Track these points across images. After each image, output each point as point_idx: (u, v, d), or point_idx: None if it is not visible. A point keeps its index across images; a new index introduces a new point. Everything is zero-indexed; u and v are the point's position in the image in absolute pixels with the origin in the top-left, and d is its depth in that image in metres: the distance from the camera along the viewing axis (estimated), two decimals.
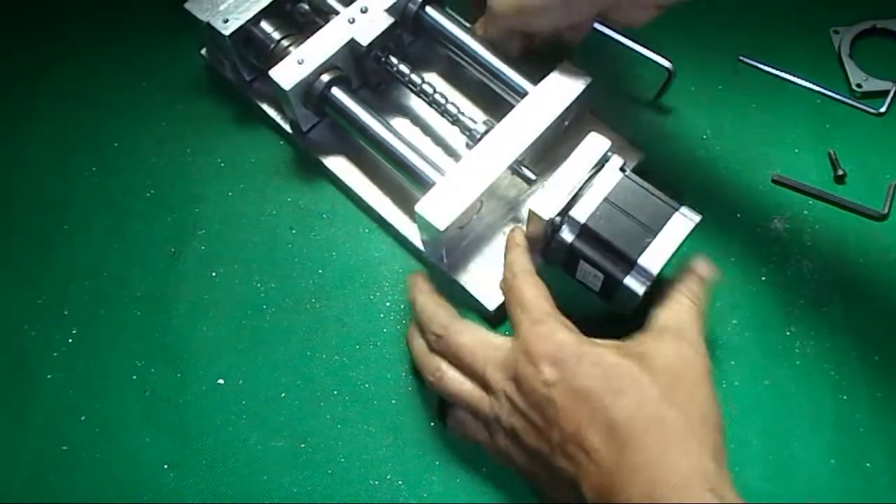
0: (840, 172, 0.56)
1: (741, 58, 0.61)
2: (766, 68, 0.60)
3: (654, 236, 0.44)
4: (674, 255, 0.44)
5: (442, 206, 0.47)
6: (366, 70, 0.55)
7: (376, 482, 0.47)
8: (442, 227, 0.46)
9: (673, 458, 0.36)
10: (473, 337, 0.44)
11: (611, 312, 0.48)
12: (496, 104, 0.58)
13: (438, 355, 0.45)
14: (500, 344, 0.43)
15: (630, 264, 0.44)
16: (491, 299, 0.51)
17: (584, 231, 0.45)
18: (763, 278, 0.53)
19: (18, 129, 0.60)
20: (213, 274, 0.54)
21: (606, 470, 0.37)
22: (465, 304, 0.52)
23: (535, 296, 0.43)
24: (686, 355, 0.40)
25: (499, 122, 0.51)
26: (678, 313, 0.43)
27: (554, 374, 0.39)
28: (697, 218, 0.45)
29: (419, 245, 0.53)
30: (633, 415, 0.37)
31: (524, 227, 0.48)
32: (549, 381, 0.39)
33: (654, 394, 0.38)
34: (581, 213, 0.45)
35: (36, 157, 0.59)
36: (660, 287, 0.45)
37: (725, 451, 0.38)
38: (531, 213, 0.46)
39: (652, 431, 0.37)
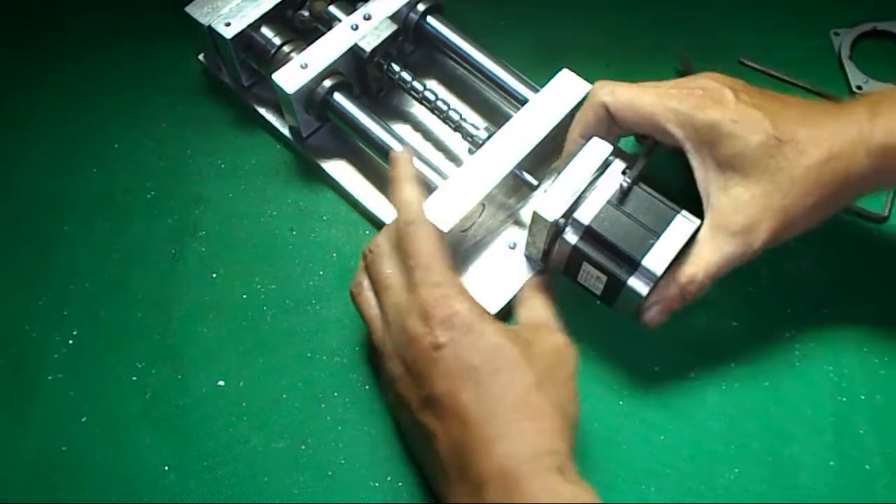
0: None
1: (742, 60, 0.61)
2: (767, 70, 0.60)
3: (657, 238, 0.45)
4: (676, 256, 0.45)
5: (445, 209, 0.47)
6: (367, 77, 0.55)
7: (377, 484, 0.47)
8: (445, 230, 0.47)
9: (528, 436, 0.38)
10: (394, 272, 0.45)
11: None
12: (496, 112, 0.58)
13: (366, 270, 0.47)
14: (407, 290, 0.44)
15: (634, 265, 0.44)
16: (492, 304, 0.51)
17: (587, 233, 0.45)
18: (763, 279, 0.53)
19: (19, 130, 0.60)
20: (214, 275, 0.54)
21: (466, 435, 0.39)
22: None
23: (433, 250, 0.43)
24: (561, 348, 0.43)
25: (499, 129, 0.51)
26: (541, 310, 0.47)
27: (444, 338, 0.41)
28: (698, 221, 0.45)
29: None
30: (503, 392, 0.39)
31: (405, 153, 0.49)
32: (438, 344, 0.41)
33: (529, 380, 0.40)
34: (585, 215, 0.45)
35: (37, 158, 0.59)
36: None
37: (573, 446, 0.40)
38: (535, 215, 0.46)
39: (517, 411, 0.39)
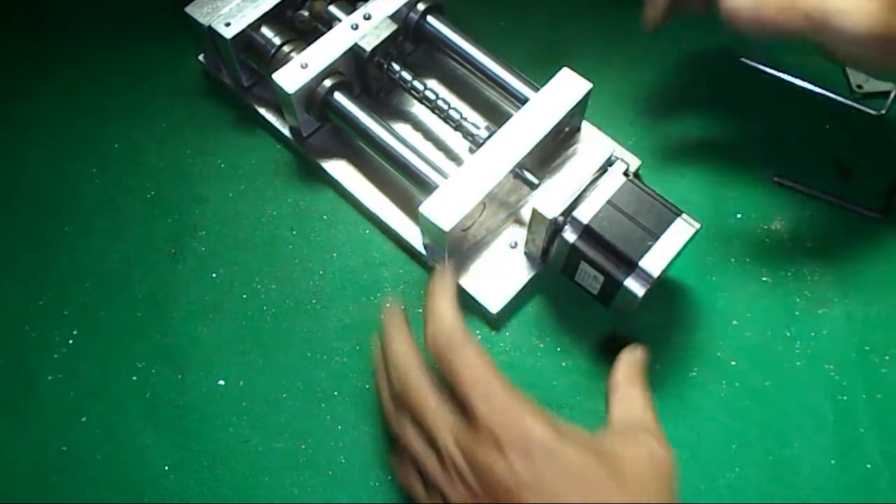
0: (844, 173, 0.56)
1: (742, 59, 0.61)
2: (767, 70, 0.60)
3: (656, 240, 0.45)
4: (674, 259, 0.45)
5: (446, 208, 0.47)
6: (368, 76, 0.55)
7: (377, 483, 0.47)
8: (446, 228, 0.47)
9: None
10: (439, 402, 0.41)
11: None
12: (496, 111, 0.58)
13: (399, 403, 0.43)
14: (466, 420, 0.40)
15: (631, 266, 0.45)
16: (493, 303, 0.51)
17: (586, 232, 0.45)
18: (763, 279, 0.53)
19: (20, 131, 0.60)
20: (214, 275, 0.54)
21: None
22: (467, 307, 0.52)
23: (486, 373, 0.39)
24: (657, 454, 0.39)
25: (499, 128, 0.51)
26: (633, 405, 0.43)
27: (522, 466, 0.37)
28: (697, 225, 0.45)
29: (420, 249, 0.53)
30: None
31: (447, 267, 0.46)
32: (516, 472, 0.37)
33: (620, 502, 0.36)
34: (584, 214, 0.45)
35: (37, 159, 0.59)
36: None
37: None
38: (535, 212, 0.46)
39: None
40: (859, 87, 0.59)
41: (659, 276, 0.44)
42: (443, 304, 0.42)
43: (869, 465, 0.47)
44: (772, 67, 0.61)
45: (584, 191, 0.46)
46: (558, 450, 0.37)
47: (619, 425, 0.42)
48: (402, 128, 0.58)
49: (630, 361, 0.45)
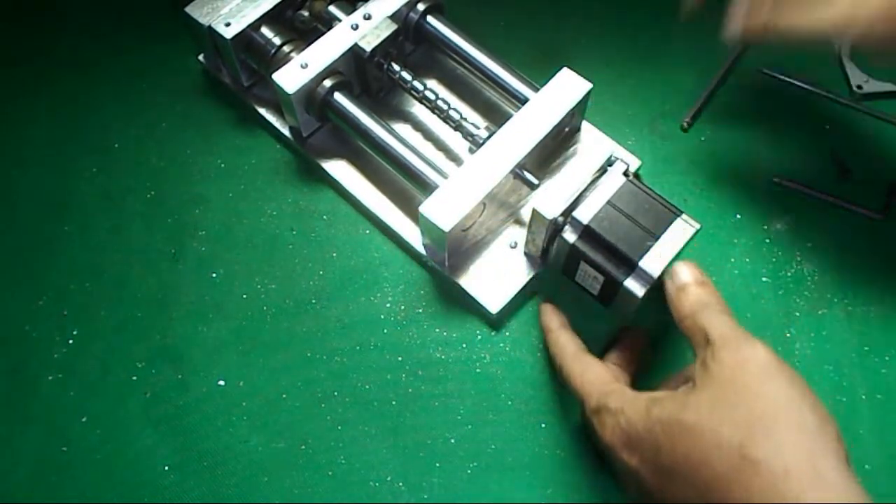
0: (845, 172, 0.56)
1: (764, 71, 0.60)
2: (786, 79, 0.60)
3: (656, 240, 0.45)
4: (674, 259, 0.45)
5: (446, 208, 0.47)
6: (367, 76, 0.55)
7: (377, 484, 0.47)
8: (446, 228, 0.47)
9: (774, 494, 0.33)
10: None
11: None
12: (496, 111, 0.58)
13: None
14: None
15: (631, 267, 0.44)
16: (493, 303, 0.51)
17: (586, 232, 0.45)
18: (763, 279, 0.53)
19: (20, 130, 0.60)
20: (214, 275, 0.54)
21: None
22: (467, 307, 0.52)
23: (584, 382, 0.43)
24: (739, 359, 0.37)
25: (500, 128, 0.51)
26: (707, 322, 0.41)
27: (634, 460, 0.38)
28: (697, 225, 0.45)
29: (420, 249, 0.53)
30: (716, 476, 0.35)
31: (548, 307, 0.50)
32: (633, 468, 0.38)
33: (734, 443, 0.35)
34: (584, 214, 0.45)
35: (37, 158, 0.59)
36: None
37: (845, 451, 0.35)
38: (535, 212, 0.46)
39: (742, 483, 0.34)
40: (859, 87, 0.59)
41: (659, 277, 0.44)
42: (555, 336, 0.48)
43: (868, 466, 0.47)
44: (791, 77, 0.60)
45: (584, 191, 0.46)
46: (652, 427, 0.37)
47: (699, 360, 0.40)
48: (402, 128, 0.58)
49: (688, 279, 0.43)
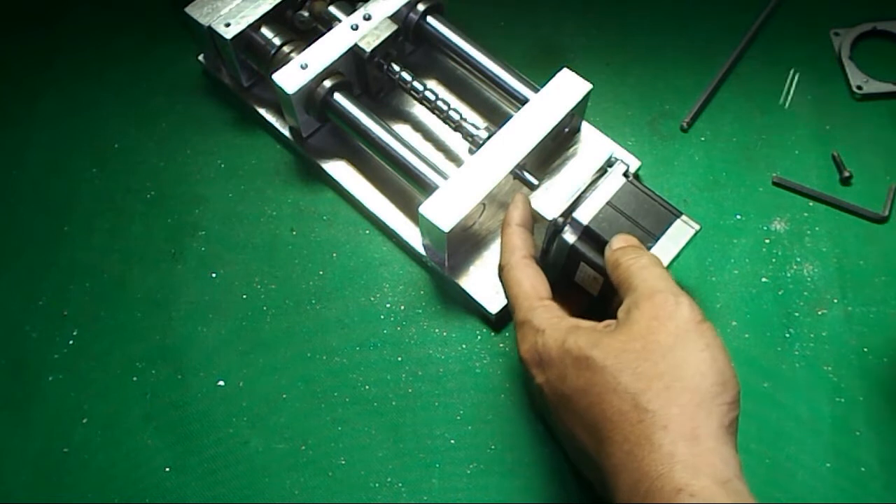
0: (846, 174, 0.56)
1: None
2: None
3: (655, 241, 0.45)
4: (673, 260, 0.45)
5: (446, 208, 0.47)
6: (367, 77, 0.55)
7: (376, 484, 0.47)
8: (446, 229, 0.47)
9: (640, 455, 0.35)
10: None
11: None
12: (496, 112, 0.58)
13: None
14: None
15: None
16: (493, 303, 0.51)
17: (585, 233, 0.45)
18: (763, 280, 0.53)
19: (20, 131, 0.60)
20: (214, 275, 0.54)
21: (602, 468, 0.37)
22: (467, 307, 0.52)
23: (519, 292, 0.44)
24: (659, 314, 0.38)
25: (499, 128, 0.51)
26: (635, 273, 0.41)
27: (541, 379, 0.41)
28: (697, 226, 0.45)
29: (420, 250, 0.53)
30: (604, 416, 0.37)
31: (524, 198, 0.47)
32: (539, 385, 0.41)
33: (630, 390, 0.36)
34: (584, 215, 0.45)
35: (37, 158, 0.59)
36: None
37: (734, 418, 0.36)
38: (534, 213, 0.46)
39: (624, 428, 0.36)
40: (859, 87, 0.59)
41: None
42: (508, 235, 0.46)
43: (864, 468, 0.47)
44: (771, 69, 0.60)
45: (584, 192, 0.46)
46: (561, 356, 0.39)
47: (623, 307, 0.41)
48: (402, 128, 0.58)
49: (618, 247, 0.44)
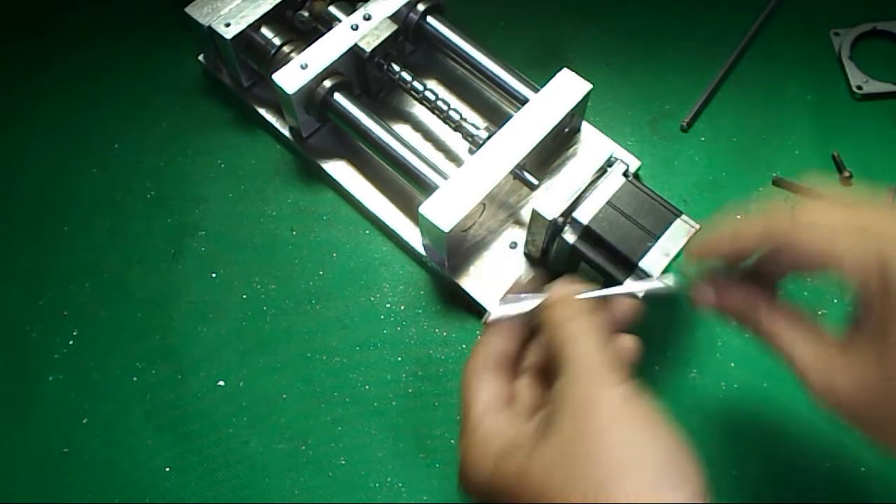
0: (846, 174, 0.56)
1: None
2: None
3: (655, 241, 0.45)
4: (673, 260, 0.45)
5: (446, 208, 0.47)
6: (367, 77, 0.55)
7: (376, 484, 0.47)
8: (446, 229, 0.47)
9: None
10: None
11: None
12: (496, 112, 0.58)
13: None
14: None
15: (630, 267, 0.44)
16: (493, 303, 0.51)
17: (586, 232, 0.45)
18: None
19: (20, 131, 0.60)
20: (214, 275, 0.54)
21: None
22: (467, 307, 0.52)
23: (473, 392, 0.37)
24: (589, 400, 0.33)
25: (499, 128, 0.51)
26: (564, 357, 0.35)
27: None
28: (697, 226, 0.45)
29: (420, 250, 0.53)
30: None
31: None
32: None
33: None
34: (584, 214, 0.45)
35: (37, 158, 0.59)
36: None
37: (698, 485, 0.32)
38: (535, 213, 0.46)
39: None
40: (859, 87, 0.59)
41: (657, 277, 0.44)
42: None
43: (864, 468, 0.47)
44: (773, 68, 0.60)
45: (584, 191, 0.46)
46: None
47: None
48: (402, 128, 0.58)
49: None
